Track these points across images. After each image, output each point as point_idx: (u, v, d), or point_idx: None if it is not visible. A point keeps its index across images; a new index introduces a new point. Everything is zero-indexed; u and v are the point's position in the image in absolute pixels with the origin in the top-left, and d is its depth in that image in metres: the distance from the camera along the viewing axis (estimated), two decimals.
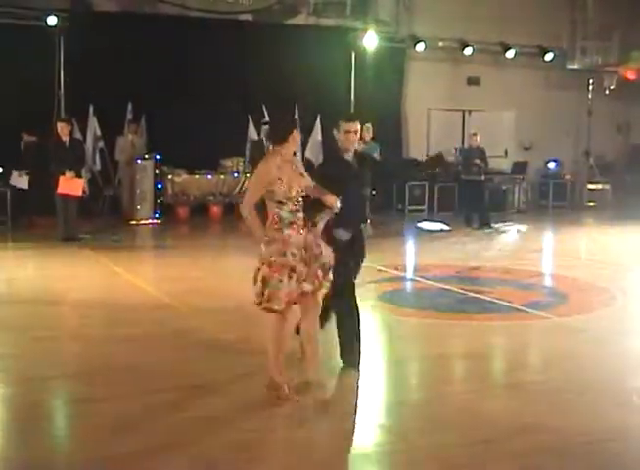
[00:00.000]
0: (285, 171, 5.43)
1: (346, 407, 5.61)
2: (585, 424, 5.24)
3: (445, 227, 15.99)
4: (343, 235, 6.11)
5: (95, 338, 7.31)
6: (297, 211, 5.48)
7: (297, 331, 6.02)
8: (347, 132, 6.16)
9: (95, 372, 6.29)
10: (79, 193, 13.26)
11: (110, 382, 6.01)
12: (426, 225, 16.40)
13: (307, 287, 5.43)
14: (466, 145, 17.42)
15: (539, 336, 7.95)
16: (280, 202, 5.41)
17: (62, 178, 12.90)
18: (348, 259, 6.16)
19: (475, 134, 16.34)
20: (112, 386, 5.91)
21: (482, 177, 16.14)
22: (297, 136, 5.57)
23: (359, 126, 6.27)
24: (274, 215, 5.44)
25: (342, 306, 6.29)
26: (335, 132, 6.26)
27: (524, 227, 16.54)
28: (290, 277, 5.34)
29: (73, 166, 13.02)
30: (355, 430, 5.22)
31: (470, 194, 16.32)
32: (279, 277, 5.33)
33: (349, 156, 6.27)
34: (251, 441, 4.86)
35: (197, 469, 4.52)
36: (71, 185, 13.03)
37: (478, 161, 15.87)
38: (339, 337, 6.31)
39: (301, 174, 5.57)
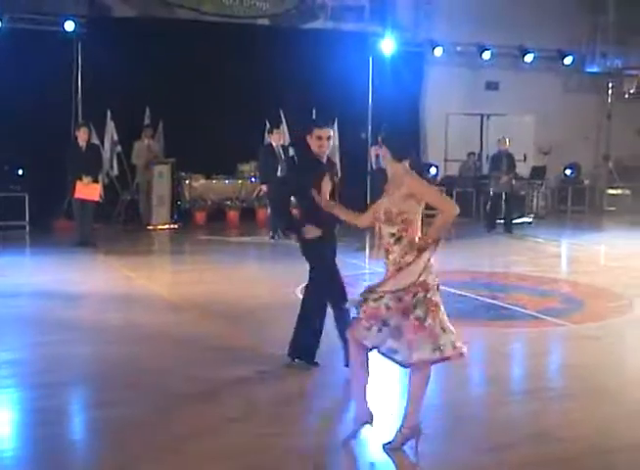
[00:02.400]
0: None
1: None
2: (596, 435, 5.14)
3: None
4: (314, 232, 6.11)
5: (105, 342, 7.30)
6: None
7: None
8: (320, 138, 6.20)
9: (105, 376, 6.30)
10: (96, 198, 13.29)
11: (120, 386, 6.01)
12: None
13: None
14: (495, 150, 17.06)
15: (554, 343, 7.89)
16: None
17: (79, 183, 12.93)
18: (325, 251, 6.23)
19: (503, 138, 16.23)
20: (123, 390, 5.90)
21: (513, 181, 16.23)
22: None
23: (332, 132, 6.31)
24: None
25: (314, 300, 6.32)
26: (308, 138, 6.26)
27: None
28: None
29: (90, 171, 13.04)
30: (366, 434, 5.18)
31: (496, 200, 16.34)
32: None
33: (323, 161, 6.33)
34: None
35: None
36: (88, 190, 13.05)
37: (505, 178, 15.94)
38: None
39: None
